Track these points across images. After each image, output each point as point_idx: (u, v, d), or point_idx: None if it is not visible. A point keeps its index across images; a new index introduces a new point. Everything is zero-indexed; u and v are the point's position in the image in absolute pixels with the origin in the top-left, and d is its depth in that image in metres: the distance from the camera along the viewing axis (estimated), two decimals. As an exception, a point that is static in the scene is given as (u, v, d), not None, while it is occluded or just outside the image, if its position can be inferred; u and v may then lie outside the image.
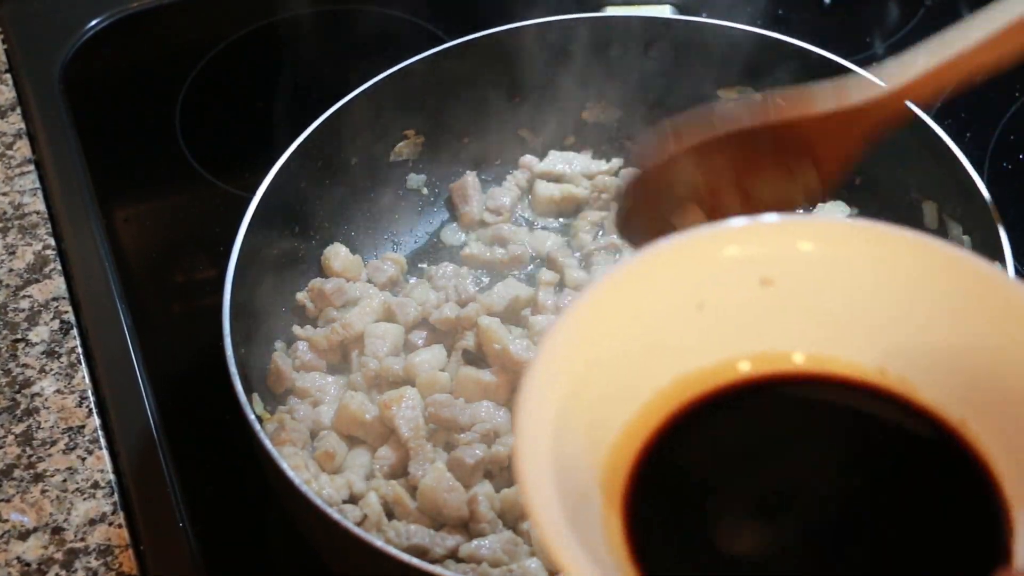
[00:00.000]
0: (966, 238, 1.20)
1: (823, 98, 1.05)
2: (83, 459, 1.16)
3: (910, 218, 1.27)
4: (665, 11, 1.38)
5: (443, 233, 1.36)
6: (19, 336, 1.26)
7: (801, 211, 1.19)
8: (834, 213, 1.31)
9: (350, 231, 1.33)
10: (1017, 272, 1.13)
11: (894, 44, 1.58)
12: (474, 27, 1.34)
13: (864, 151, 1.13)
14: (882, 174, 1.30)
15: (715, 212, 1.17)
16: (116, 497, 1.14)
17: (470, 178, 1.36)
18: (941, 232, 1.24)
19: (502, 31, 1.34)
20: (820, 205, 1.32)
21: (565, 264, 1.28)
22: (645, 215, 1.22)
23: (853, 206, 1.32)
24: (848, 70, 1.23)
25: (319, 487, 1.09)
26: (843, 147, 1.11)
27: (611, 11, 1.39)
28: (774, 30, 1.31)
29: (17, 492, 1.14)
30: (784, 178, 1.15)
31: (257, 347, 1.20)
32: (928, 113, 1.23)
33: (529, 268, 1.31)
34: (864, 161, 1.30)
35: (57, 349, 1.25)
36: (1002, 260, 1.13)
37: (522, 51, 1.35)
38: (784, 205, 1.17)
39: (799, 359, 0.79)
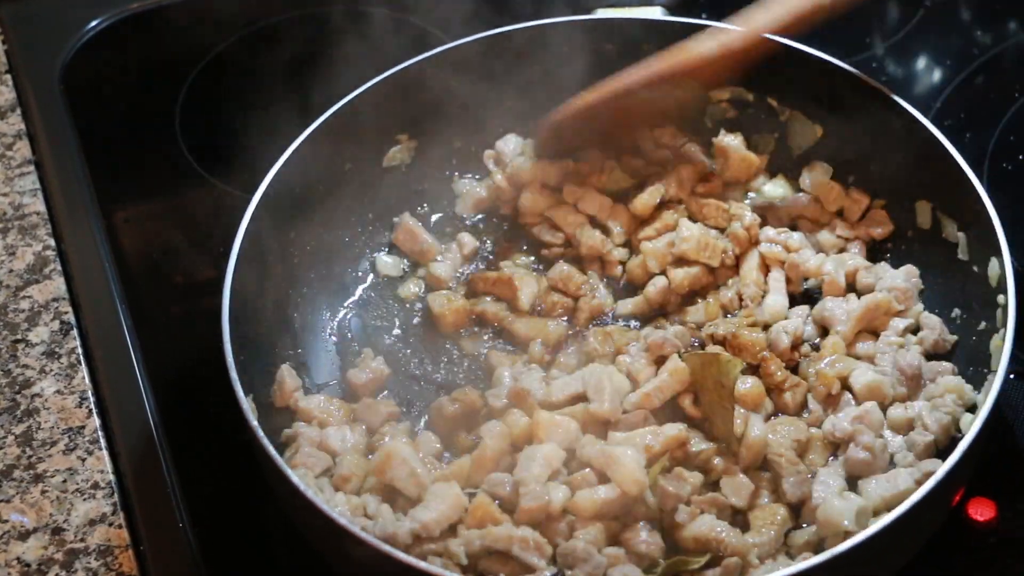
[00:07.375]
0: (961, 235, 1.20)
1: (701, 45, 1.27)
2: (83, 460, 1.16)
3: (904, 216, 1.27)
4: (656, 13, 1.38)
5: (378, 264, 1.33)
6: (19, 337, 1.26)
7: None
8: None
9: (349, 232, 1.33)
10: (1015, 271, 1.12)
11: (894, 44, 1.58)
12: (469, 30, 1.34)
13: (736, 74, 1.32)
14: (879, 175, 1.29)
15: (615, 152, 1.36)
16: (116, 497, 1.14)
17: (409, 221, 1.33)
18: (935, 230, 1.24)
19: (495, 34, 1.34)
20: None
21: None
22: (558, 153, 1.35)
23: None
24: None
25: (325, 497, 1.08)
26: (718, 78, 1.32)
27: (602, 13, 1.39)
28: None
29: (17, 492, 1.14)
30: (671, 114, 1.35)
31: (256, 349, 1.20)
32: (926, 115, 1.23)
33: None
34: (862, 161, 1.31)
35: (57, 350, 1.25)
36: (999, 258, 1.12)
37: (515, 54, 1.35)
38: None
39: None
